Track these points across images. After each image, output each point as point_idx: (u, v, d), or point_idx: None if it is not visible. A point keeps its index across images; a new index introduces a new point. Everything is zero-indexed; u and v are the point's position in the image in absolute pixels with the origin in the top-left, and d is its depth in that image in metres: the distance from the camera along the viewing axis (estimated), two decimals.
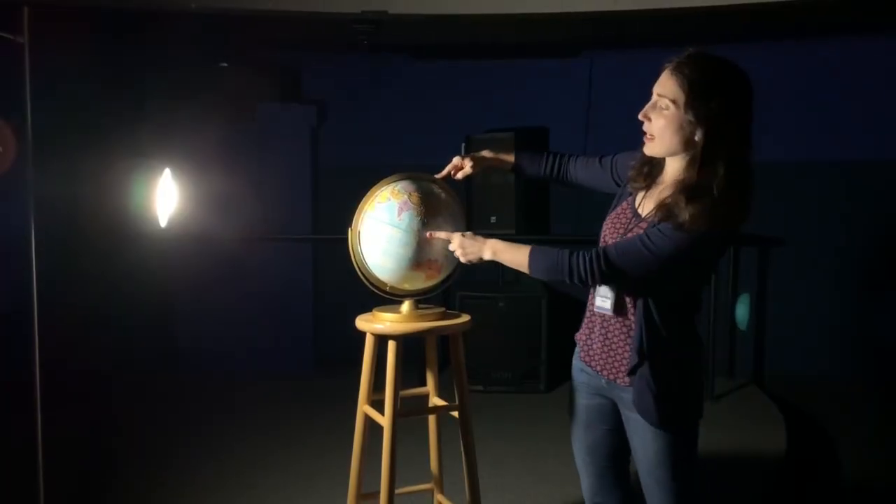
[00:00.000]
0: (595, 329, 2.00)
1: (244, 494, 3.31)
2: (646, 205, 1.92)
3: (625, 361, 1.92)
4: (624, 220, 1.95)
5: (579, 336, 2.10)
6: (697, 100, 1.76)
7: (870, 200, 5.13)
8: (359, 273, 2.26)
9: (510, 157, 2.31)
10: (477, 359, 4.81)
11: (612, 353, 1.95)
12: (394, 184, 2.21)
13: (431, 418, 2.55)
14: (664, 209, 1.79)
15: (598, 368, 1.99)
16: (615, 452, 2.07)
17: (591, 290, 2.02)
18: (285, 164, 5.42)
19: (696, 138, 1.78)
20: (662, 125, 1.82)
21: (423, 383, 2.56)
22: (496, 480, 3.41)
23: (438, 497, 2.61)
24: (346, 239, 2.24)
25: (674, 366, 1.88)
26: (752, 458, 3.76)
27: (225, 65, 5.29)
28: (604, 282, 1.87)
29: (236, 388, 4.94)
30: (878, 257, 5.13)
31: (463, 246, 2.03)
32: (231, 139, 5.12)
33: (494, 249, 1.98)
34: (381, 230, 2.14)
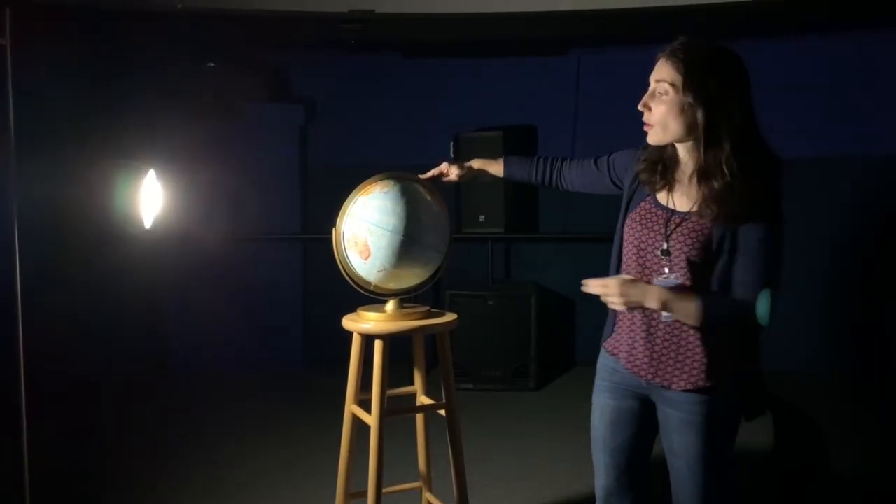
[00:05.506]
0: (637, 338, 1.93)
1: (233, 493, 3.30)
2: (677, 200, 1.88)
3: (678, 365, 1.88)
4: (658, 220, 1.89)
5: (616, 347, 1.99)
6: (695, 80, 1.77)
7: (857, 195, 5.15)
8: (343, 272, 2.25)
9: (499, 167, 2.28)
10: (467, 357, 4.81)
11: (661, 360, 1.89)
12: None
13: (419, 417, 2.55)
14: (728, 215, 1.79)
15: (650, 376, 1.91)
16: (638, 454, 2.03)
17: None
18: (274, 163, 5.41)
19: (699, 119, 1.78)
20: (664, 111, 1.81)
21: (412, 382, 2.56)
22: (485, 478, 3.41)
23: (426, 495, 2.61)
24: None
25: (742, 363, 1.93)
26: (740, 450, 3.76)
27: (212, 64, 5.27)
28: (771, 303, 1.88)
29: (225, 387, 4.93)
30: (865, 251, 5.15)
31: (625, 293, 1.80)
32: (219, 139, 5.11)
33: (662, 299, 1.80)
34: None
